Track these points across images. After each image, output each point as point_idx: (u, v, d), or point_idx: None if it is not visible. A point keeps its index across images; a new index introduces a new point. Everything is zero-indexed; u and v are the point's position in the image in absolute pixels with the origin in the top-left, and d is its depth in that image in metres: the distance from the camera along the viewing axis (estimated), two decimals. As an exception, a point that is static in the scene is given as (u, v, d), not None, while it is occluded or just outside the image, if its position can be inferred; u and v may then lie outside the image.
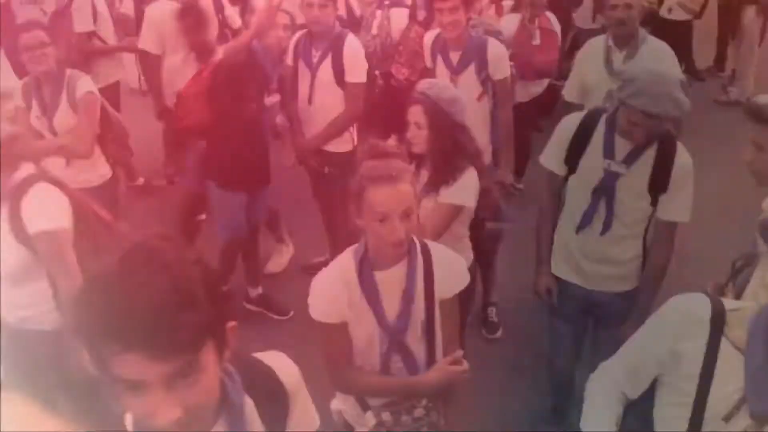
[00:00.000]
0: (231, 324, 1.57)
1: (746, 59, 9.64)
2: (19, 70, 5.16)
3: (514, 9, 6.53)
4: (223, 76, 4.64)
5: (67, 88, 4.66)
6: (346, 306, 2.64)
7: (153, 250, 1.39)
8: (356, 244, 2.72)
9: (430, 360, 2.79)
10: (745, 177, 3.05)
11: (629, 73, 3.16)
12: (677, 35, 8.56)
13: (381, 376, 2.78)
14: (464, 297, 2.93)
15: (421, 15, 6.62)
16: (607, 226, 3.50)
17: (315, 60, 5.01)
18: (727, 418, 2.07)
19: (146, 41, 6.13)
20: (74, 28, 6.35)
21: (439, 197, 3.52)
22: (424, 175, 3.62)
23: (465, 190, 3.51)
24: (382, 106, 6.85)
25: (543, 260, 3.87)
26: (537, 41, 6.37)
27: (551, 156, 3.67)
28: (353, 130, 5.35)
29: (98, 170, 4.88)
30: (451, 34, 4.70)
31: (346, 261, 2.70)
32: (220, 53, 4.86)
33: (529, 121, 7.13)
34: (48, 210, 3.22)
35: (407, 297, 2.66)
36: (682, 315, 2.17)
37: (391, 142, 2.64)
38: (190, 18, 5.39)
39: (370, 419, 2.80)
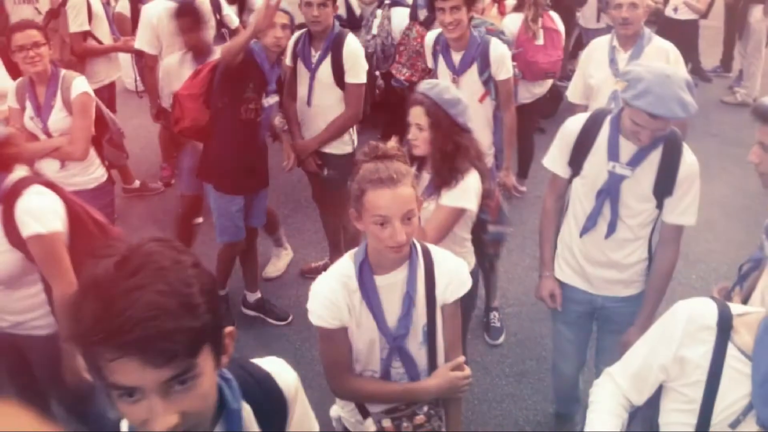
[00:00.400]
0: (228, 329, 1.57)
1: (753, 60, 9.65)
2: (13, 71, 5.17)
3: (517, 8, 6.52)
4: (220, 76, 4.64)
5: (62, 89, 4.66)
6: (346, 311, 2.64)
7: (149, 254, 1.40)
8: (356, 248, 2.72)
9: (432, 366, 2.79)
10: (752, 179, 3.06)
11: (634, 74, 3.15)
12: (683, 35, 8.58)
13: (381, 382, 2.78)
14: (466, 302, 2.93)
15: (422, 14, 6.63)
16: (611, 230, 3.50)
17: (314, 60, 5.02)
18: (734, 425, 2.07)
19: (142, 41, 6.15)
20: (69, 27, 6.35)
21: (440, 200, 3.52)
22: (426, 177, 3.62)
23: (467, 192, 3.51)
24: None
25: (546, 264, 3.86)
26: (540, 41, 6.37)
27: (555, 158, 3.67)
28: (353, 132, 5.35)
29: (93, 173, 4.88)
30: (453, 34, 4.69)
31: (346, 265, 2.70)
32: (217, 53, 4.86)
33: (532, 122, 7.14)
34: (42, 213, 3.21)
35: (408, 302, 2.66)
36: (688, 320, 2.17)
37: (392, 143, 2.62)
38: (187, 17, 5.39)
39: (371, 426, 2.80)
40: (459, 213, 3.54)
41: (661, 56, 4.67)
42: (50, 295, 3.35)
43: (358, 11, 7.67)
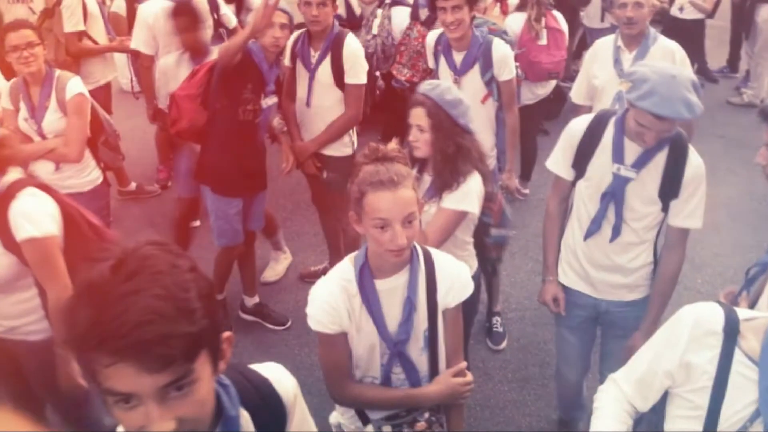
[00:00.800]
0: (226, 334, 1.57)
1: (760, 60, 9.65)
2: (7, 71, 5.17)
3: (520, 7, 6.53)
4: (218, 77, 4.64)
5: (57, 90, 4.66)
6: (345, 316, 2.64)
7: (145, 258, 1.40)
8: (356, 252, 2.73)
9: (433, 372, 2.80)
10: (760, 182, 3.06)
11: (639, 74, 3.15)
12: (689, 35, 8.57)
13: (382, 388, 2.78)
14: (468, 306, 2.93)
15: (423, 14, 6.63)
16: (616, 233, 3.50)
17: (313, 61, 5.02)
18: (741, 432, 2.07)
19: (138, 41, 6.15)
20: (64, 27, 6.36)
21: (441, 203, 3.52)
22: (427, 180, 3.62)
23: (469, 195, 3.51)
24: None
25: (550, 268, 3.86)
26: (543, 41, 6.37)
27: (558, 160, 3.67)
28: (353, 134, 5.35)
29: (88, 175, 4.89)
30: (455, 34, 4.70)
31: (345, 269, 2.70)
32: (215, 54, 4.86)
33: (535, 123, 7.15)
34: (36, 216, 3.22)
35: (409, 306, 2.66)
36: (694, 325, 2.17)
37: (392, 145, 2.62)
38: (183, 17, 5.39)
39: (371, 433, 2.81)
40: (461, 216, 3.54)
41: (666, 56, 4.68)
42: (45, 299, 3.35)
43: (358, 10, 7.68)
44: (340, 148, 5.25)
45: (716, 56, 10.81)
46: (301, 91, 5.17)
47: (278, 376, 1.87)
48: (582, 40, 9.38)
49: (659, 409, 2.31)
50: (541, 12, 6.34)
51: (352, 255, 2.74)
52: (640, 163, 3.35)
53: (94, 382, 1.37)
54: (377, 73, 7.17)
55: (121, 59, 7.59)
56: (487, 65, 4.79)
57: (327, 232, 5.88)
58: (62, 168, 4.74)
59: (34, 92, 4.69)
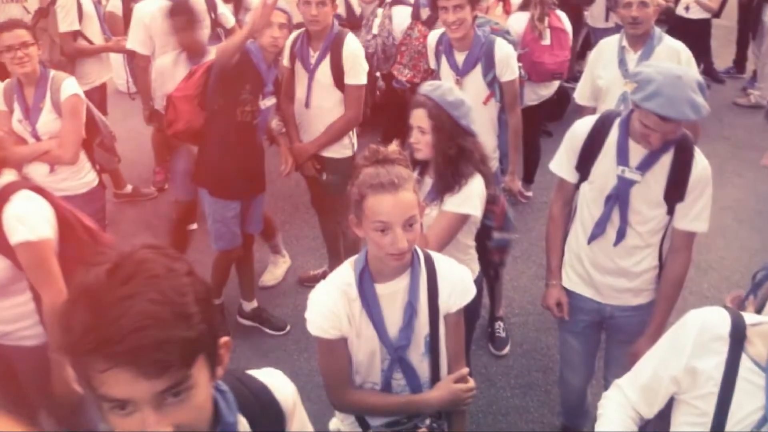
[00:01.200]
0: (224, 340, 1.57)
1: (767, 60, 9.65)
2: (1, 72, 5.18)
3: (523, 7, 6.54)
4: (215, 77, 4.65)
5: (51, 91, 4.66)
6: (345, 321, 2.64)
7: (141, 261, 1.40)
8: (356, 256, 2.73)
9: (434, 377, 2.80)
10: (767, 184, 3.06)
11: (644, 75, 3.15)
12: (695, 34, 8.58)
13: (382, 394, 2.78)
14: (470, 311, 2.94)
15: (425, 13, 6.64)
16: (620, 236, 3.50)
17: (313, 61, 5.02)
18: (748, 439, 2.07)
19: (135, 41, 6.14)
20: (58, 27, 6.36)
21: (443, 206, 3.52)
22: (428, 182, 3.62)
23: (471, 198, 3.51)
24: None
25: (553, 272, 3.86)
26: (547, 41, 6.38)
27: (562, 162, 3.67)
28: (353, 135, 5.35)
29: (84, 177, 4.89)
30: (456, 34, 4.70)
31: (345, 273, 2.70)
32: (212, 54, 4.86)
33: (538, 125, 7.15)
34: (31, 219, 3.22)
35: (410, 311, 2.66)
36: (699, 330, 2.17)
37: (393, 147, 2.62)
38: (180, 16, 5.39)
39: (371, 440, 2.81)
40: (462, 219, 3.55)
41: (672, 57, 4.68)
42: (39, 304, 3.36)
43: (358, 10, 7.69)
44: (340, 150, 5.25)
45: (723, 56, 10.81)
46: (300, 92, 5.17)
47: (277, 381, 1.87)
48: (586, 40, 9.37)
49: (665, 416, 2.31)
50: (545, 11, 6.35)
51: (352, 259, 2.74)
52: (645, 166, 3.35)
53: (90, 387, 1.37)
54: (378, 74, 7.18)
55: (117, 59, 7.59)
56: (489, 66, 4.80)
57: (326, 236, 5.88)
58: (57, 170, 4.75)
59: (29, 93, 4.69)
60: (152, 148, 7.50)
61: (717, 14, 9.43)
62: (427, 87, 3.65)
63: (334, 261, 5.59)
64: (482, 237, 3.91)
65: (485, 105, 4.88)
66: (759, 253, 6.14)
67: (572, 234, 3.78)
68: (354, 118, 5.14)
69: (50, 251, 3.28)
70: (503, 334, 5.36)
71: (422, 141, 3.55)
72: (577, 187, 3.67)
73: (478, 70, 4.83)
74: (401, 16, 6.93)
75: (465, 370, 2.82)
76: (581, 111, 5.02)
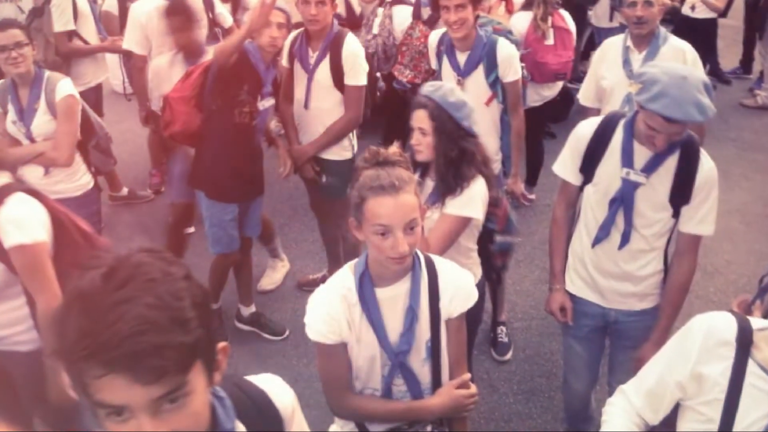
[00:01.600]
0: (222, 345, 1.57)
1: (775, 60, 9.66)
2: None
3: (526, 6, 6.54)
4: (213, 78, 4.65)
5: (46, 92, 4.66)
6: (345, 326, 2.64)
7: (137, 265, 1.40)
8: (356, 259, 2.73)
9: (436, 383, 2.79)
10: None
11: (649, 76, 3.15)
12: (701, 34, 8.58)
13: (383, 400, 2.78)
14: (472, 316, 2.93)
15: (426, 13, 6.64)
16: (625, 240, 3.50)
17: (312, 61, 5.02)
18: (755, 446, 2.07)
19: (131, 41, 6.15)
20: (53, 26, 6.36)
21: (444, 208, 3.53)
22: (429, 184, 3.63)
23: (472, 201, 3.51)
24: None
25: (556, 276, 3.86)
26: (550, 41, 6.38)
27: (565, 164, 3.67)
28: (353, 137, 5.36)
29: (79, 180, 4.89)
30: (458, 34, 4.70)
31: (345, 277, 2.70)
32: (210, 54, 4.87)
33: (541, 126, 7.16)
34: (25, 222, 3.22)
35: (411, 316, 2.66)
36: (705, 335, 2.17)
37: (394, 149, 2.62)
38: (177, 16, 5.40)
39: (371, 447, 2.81)
40: (464, 222, 3.55)
41: (677, 57, 4.68)
42: (34, 308, 3.36)
43: (358, 9, 7.69)
44: (340, 152, 5.25)
45: (729, 57, 10.81)
46: (299, 93, 5.17)
47: (275, 387, 1.87)
48: (590, 40, 9.39)
49: (670, 422, 2.31)
50: (548, 11, 6.35)
51: (352, 262, 2.74)
52: (650, 168, 3.35)
53: (85, 393, 1.37)
54: (378, 74, 7.17)
55: (112, 60, 7.59)
56: (491, 66, 4.80)
57: (326, 239, 5.88)
58: (52, 172, 4.75)
59: (23, 94, 4.69)
60: (148, 149, 7.51)
61: (723, 14, 9.43)
62: (428, 88, 3.65)
63: (334, 265, 5.59)
64: (484, 240, 3.91)
65: (487, 106, 4.87)
66: (766, 257, 6.15)
67: (576, 237, 3.77)
68: (354, 120, 5.14)
69: (45, 255, 3.28)
70: (506, 339, 5.36)
71: (423, 143, 3.55)
72: (580, 189, 3.66)
73: (480, 70, 4.83)
74: (402, 16, 6.93)
75: (467, 376, 2.82)
76: (585, 112, 5.02)
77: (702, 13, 9.23)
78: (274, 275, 6.16)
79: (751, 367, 2.08)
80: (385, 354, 2.69)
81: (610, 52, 4.97)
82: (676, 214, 3.41)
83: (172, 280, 1.40)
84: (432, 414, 2.78)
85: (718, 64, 10.49)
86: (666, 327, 3.55)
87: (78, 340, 1.32)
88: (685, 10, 9.29)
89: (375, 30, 7.15)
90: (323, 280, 2.94)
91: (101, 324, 1.31)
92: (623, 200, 3.42)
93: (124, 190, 7.42)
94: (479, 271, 3.88)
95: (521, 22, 6.40)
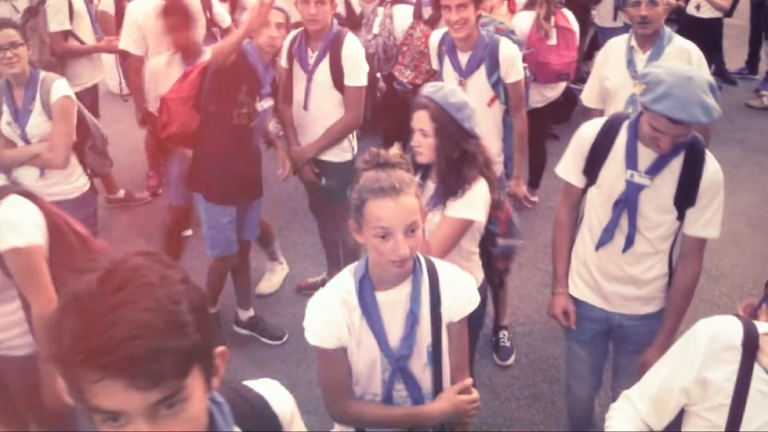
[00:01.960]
0: (220, 349, 1.57)
1: (781, 60, 9.67)
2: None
3: (528, 6, 6.54)
4: (211, 79, 4.65)
5: (41, 92, 4.66)
6: (345, 330, 2.64)
7: (134, 268, 1.40)
8: (356, 263, 2.73)
9: (437, 388, 2.79)
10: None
11: (653, 76, 3.15)
12: (706, 34, 8.57)
13: (383, 406, 2.77)
14: (474, 320, 2.94)
15: (427, 12, 6.64)
16: (629, 243, 3.50)
17: (311, 61, 5.02)
18: (761, 453, 2.07)
19: (127, 41, 6.16)
20: (49, 26, 6.37)
21: (446, 211, 3.53)
22: (430, 186, 3.63)
23: (474, 203, 3.51)
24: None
25: (560, 280, 3.86)
26: (553, 41, 6.38)
27: (568, 166, 3.67)
28: (353, 138, 5.36)
29: (75, 182, 4.90)
30: (460, 34, 4.70)
31: (345, 280, 2.70)
32: (208, 54, 4.87)
33: (544, 128, 7.15)
34: (20, 225, 3.22)
35: (411, 320, 2.66)
36: (711, 340, 2.17)
37: (394, 150, 2.62)
38: (175, 16, 5.40)
39: (371, 453, 2.81)
40: (466, 225, 3.55)
41: (682, 57, 4.68)
42: (29, 312, 3.35)
43: (358, 9, 7.69)
44: (340, 154, 5.25)
45: (735, 57, 10.82)
46: (298, 94, 5.17)
47: (274, 393, 1.87)
48: (594, 40, 9.38)
49: (675, 428, 2.31)
50: (551, 10, 6.34)
51: (352, 266, 2.74)
52: (654, 170, 3.35)
53: (81, 399, 1.37)
54: (378, 75, 7.17)
55: (109, 60, 7.60)
56: (493, 66, 4.80)
57: (325, 242, 5.88)
58: (47, 174, 4.75)
59: (18, 95, 4.69)
60: (145, 151, 7.51)
61: (729, 13, 9.42)
62: (429, 88, 3.65)
63: (334, 268, 5.60)
64: (486, 243, 3.91)
65: (489, 107, 4.88)
66: (772, 260, 6.16)
67: (579, 240, 3.77)
68: (354, 121, 5.14)
69: (40, 258, 3.28)
70: (508, 344, 5.36)
71: (424, 144, 3.55)
72: (584, 191, 3.67)
73: (482, 71, 4.83)
74: (403, 16, 6.92)
75: (468, 381, 2.82)
76: (588, 113, 5.02)
77: (707, 12, 9.21)
78: (272, 278, 6.16)
79: (757, 371, 2.08)
80: (385, 359, 2.69)
81: (613, 52, 4.97)
82: (680, 217, 3.41)
83: (170, 283, 1.40)
84: (433, 420, 2.78)
85: (724, 64, 10.49)
86: (670, 331, 3.55)
87: (74, 345, 1.31)
88: (690, 9, 9.28)
89: (375, 30, 7.14)
90: (323, 283, 2.95)
91: (97, 328, 1.30)
92: (627, 202, 3.42)
93: (121, 193, 7.43)
94: (481, 275, 3.88)
95: (524, 21, 6.39)
